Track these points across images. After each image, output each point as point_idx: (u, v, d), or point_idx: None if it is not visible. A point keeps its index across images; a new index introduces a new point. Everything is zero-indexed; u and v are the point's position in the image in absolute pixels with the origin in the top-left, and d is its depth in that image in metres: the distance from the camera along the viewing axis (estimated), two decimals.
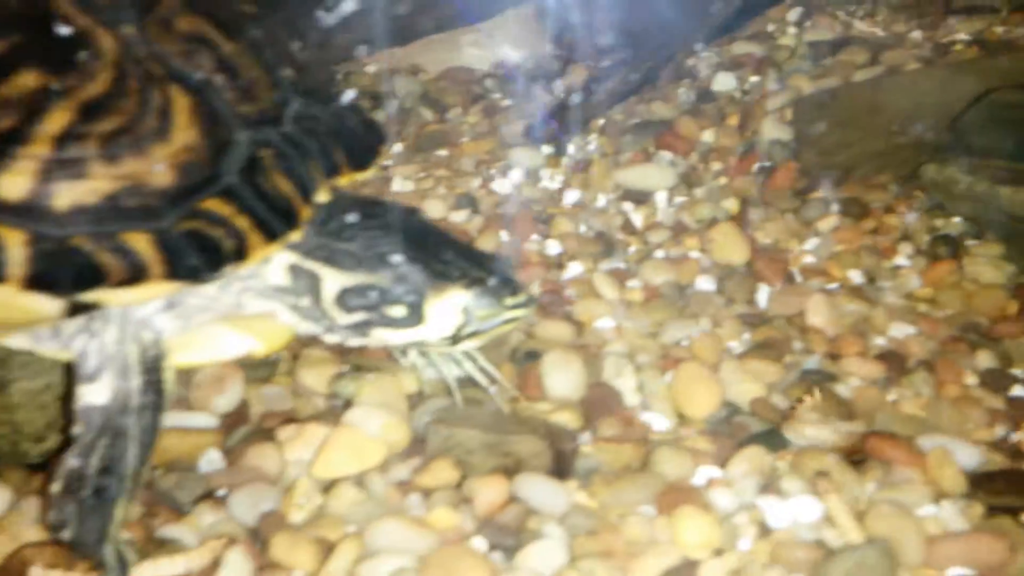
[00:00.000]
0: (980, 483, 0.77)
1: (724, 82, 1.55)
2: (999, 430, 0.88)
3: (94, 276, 0.62)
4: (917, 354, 0.99)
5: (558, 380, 0.91)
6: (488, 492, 0.74)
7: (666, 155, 1.40)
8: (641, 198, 1.31)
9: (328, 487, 0.76)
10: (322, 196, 0.73)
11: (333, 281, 0.72)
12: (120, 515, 0.66)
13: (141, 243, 0.63)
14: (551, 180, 1.38)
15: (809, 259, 1.18)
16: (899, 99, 1.30)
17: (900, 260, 1.16)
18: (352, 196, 0.77)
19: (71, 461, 0.66)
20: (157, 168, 0.64)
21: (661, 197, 1.32)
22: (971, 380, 0.95)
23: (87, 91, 0.63)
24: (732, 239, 1.18)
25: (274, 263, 0.74)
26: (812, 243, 1.20)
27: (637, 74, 1.49)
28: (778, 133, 1.39)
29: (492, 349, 0.90)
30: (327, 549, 0.69)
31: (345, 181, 0.76)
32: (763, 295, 1.11)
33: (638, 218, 1.29)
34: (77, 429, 0.68)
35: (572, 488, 0.79)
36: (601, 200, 1.32)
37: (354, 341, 0.75)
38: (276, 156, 0.69)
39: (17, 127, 0.62)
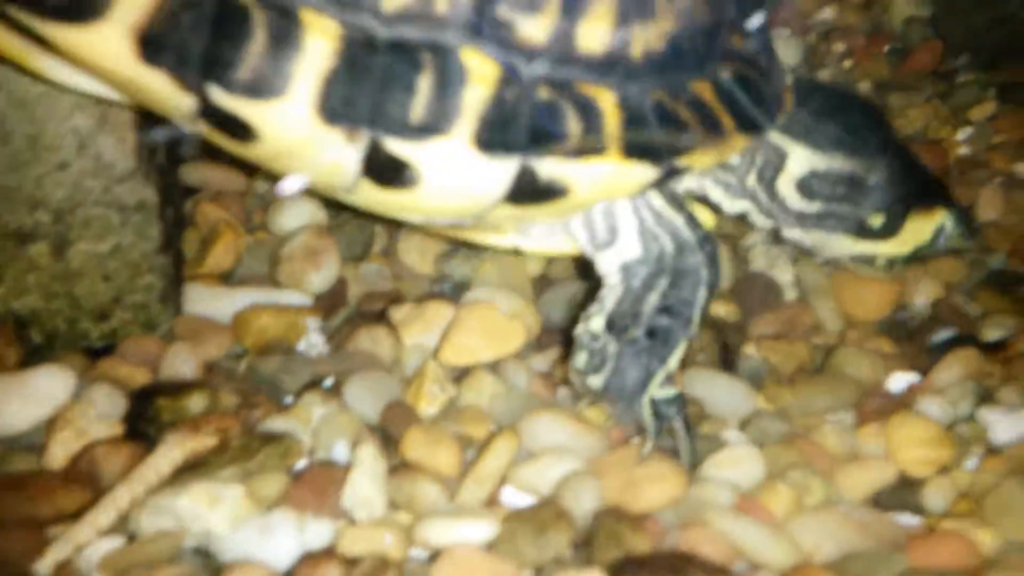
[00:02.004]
0: None
1: None
2: None
3: (685, 139, 0.54)
4: None
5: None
6: None
7: (781, 33, 1.22)
8: None
9: (460, 376, 0.63)
10: None
11: (803, 161, 0.64)
12: (675, 363, 0.58)
13: (707, 95, 0.55)
14: None
15: (964, 150, 1.02)
16: None
17: None
18: (812, 79, 0.71)
19: (615, 304, 0.59)
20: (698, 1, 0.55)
21: None
22: None
23: None
24: None
25: None
26: (967, 132, 1.04)
27: None
28: (913, 10, 1.21)
29: None
30: (472, 448, 0.56)
31: None
32: None
33: None
34: (612, 280, 0.61)
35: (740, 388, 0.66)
36: None
37: (791, 232, 0.68)
38: None
39: None
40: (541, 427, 0.57)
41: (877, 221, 0.65)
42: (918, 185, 0.65)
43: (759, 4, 0.63)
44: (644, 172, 0.54)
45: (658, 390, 0.58)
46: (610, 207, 0.60)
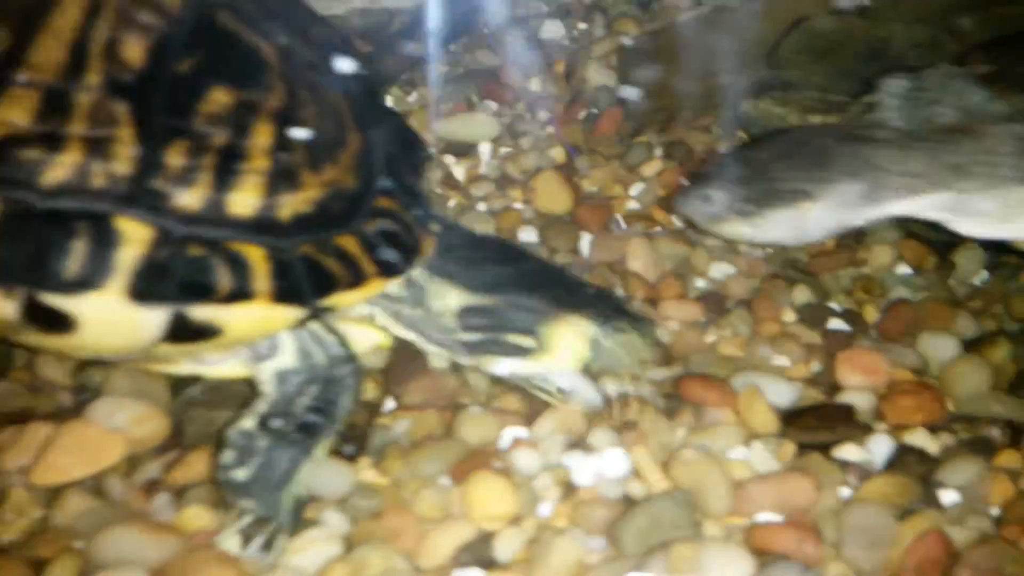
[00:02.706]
0: (791, 420, 0.74)
1: (552, 30, 1.49)
2: (815, 365, 0.86)
3: (329, 283, 0.64)
4: (737, 294, 0.96)
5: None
6: None
7: (491, 105, 1.32)
8: (464, 150, 1.23)
9: (54, 496, 0.63)
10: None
11: (456, 298, 0.73)
12: (320, 455, 0.66)
13: (352, 246, 0.66)
14: None
15: (633, 205, 1.13)
16: (719, 37, 1.26)
17: None
18: (465, 229, 0.84)
19: (269, 407, 0.66)
20: (346, 172, 0.66)
21: (485, 148, 1.24)
22: (789, 317, 0.93)
23: (271, 103, 0.64)
24: (554, 188, 1.11)
25: None
26: (637, 189, 1.16)
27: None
28: (603, 79, 1.34)
29: None
30: (41, 570, 0.56)
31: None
32: (586, 243, 1.05)
33: (460, 171, 1.20)
34: (268, 387, 0.68)
35: (364, 466, 0.69)
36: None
37: (463, 359, 0.76)
38: (396, 157, 0.73)
39: (231, 143, 0.62)
40: (113, 539, 0.58)
41: (525, 343, 0.73)
42: (561, 305, 0.73)
43: (408, 171, 0.76)
44: (292, 312, 0.64)
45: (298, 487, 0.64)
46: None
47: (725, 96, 1.24)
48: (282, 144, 0.63)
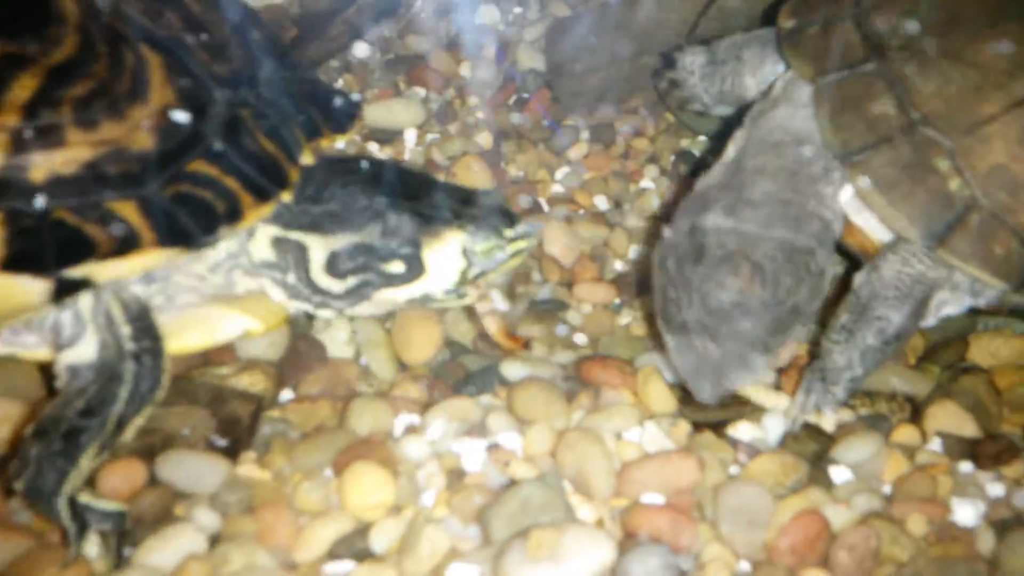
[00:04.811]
0: (687, 400, 0.72)
1: (487, 14, 1.46)
2: None
3: (80, 249, 0.58)
4: None
5: (250, 339, 0.79)
6: (115, 480, 0.61)
7: (419, 91, 1.30)
8: (388, 137, 1.20)
9: None
10: (307, 158, 0.70)
11: (320, 248, 0.69)
12: (87, 464, 0.59)
13: (127, 211, 0.59)
14: None
15: (558, 188, 1.11)
16: (644, 17, 1.24)
17: (646, 183, 1.12)
18: (323, 157, 0.73)
19: (50, 409, 0.61)
20: (136, 131, 0.60)
21: (410, 135, 1.22)
22: None
23: (54, 56, 0.59)
24: (474, 173, 1.09)
25: (258, 236, 0.70)
26: (563, 172, 1.14)
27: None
28: (533, 63, 1.32)
29: None
30: None
31: (326, 143, 0.74)
32: None
33: (384, 157, 1.17)
34: (60, 383, 0.63)
35: (246, 460, 0.67)
36: (340, 142, 1.20)
37: (356, 310, 0.72)
38: (256, 116, 0.67)
39: None
40: None
41: (397, 269, 0.69)
42: (425, 217, 0.69)
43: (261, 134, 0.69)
44: (32, 284, 0.57)
45: (98, 502, 0.59)
46: (79, 313, 0.64)
47: (649, 77, 1.23)
48: (46, 100, 0.58)
